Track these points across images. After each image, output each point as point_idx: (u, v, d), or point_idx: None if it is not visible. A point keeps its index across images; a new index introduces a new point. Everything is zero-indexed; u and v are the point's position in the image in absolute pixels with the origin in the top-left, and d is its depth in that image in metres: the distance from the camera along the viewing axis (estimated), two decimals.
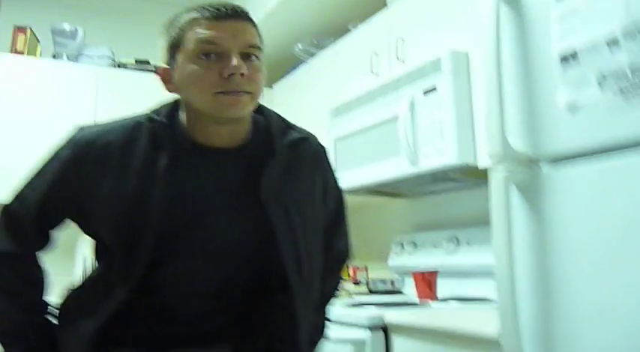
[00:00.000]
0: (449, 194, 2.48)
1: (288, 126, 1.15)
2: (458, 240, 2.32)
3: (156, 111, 1.09)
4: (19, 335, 1.05)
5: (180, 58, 1.01)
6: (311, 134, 1.20)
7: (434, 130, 1.98)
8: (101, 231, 1.06)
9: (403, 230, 2.72)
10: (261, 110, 1.14)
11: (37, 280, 1.09)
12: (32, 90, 2.88)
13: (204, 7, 1.01)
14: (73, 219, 1.10)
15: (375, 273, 2.75)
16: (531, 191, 1.06)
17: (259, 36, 1.05)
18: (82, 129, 1.10)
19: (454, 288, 2.26)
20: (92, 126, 1.11)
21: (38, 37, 3.03)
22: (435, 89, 1.99)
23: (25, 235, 1.08)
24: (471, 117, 1.93)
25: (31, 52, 2.93)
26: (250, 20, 1.04)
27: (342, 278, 1.37)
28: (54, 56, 3.04)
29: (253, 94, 1.01)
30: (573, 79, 0.99)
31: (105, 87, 3.03)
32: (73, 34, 2.97)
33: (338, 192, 1.26)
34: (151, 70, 3.13)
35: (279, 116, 1.17)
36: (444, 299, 2.04)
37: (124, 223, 1.01)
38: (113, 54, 3.12)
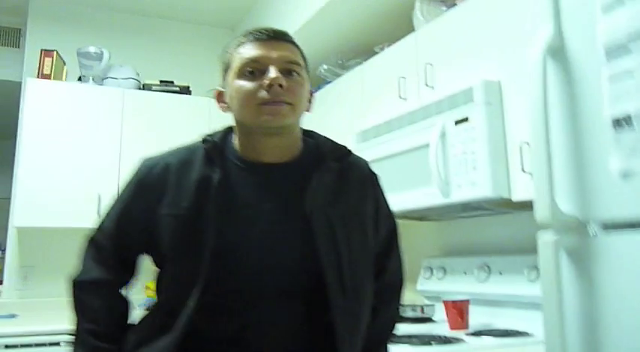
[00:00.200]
0: (479, 219, 2.44)
1: (336, 146, 1.21)
2: (489, 269, 2.27)
3: (211, 134, 1.18)
4: None
5: (229, 78, 1.12)
6: (362, 158, 1.26)
7: (466, 162, 1.94)
8: (164, 248, 1.10)
9: (431, 253, 2.69)
10: (311, 134, 1.23)
11: (119, 310, 1.16)
12: (60, 114, 2.91)
13: (249, 32, 1.13)
14: (146, 248, 1.17)
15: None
16: (581, 256, 1.02)
17: (302, 55, 1.15)
18: (146, 158, 1.20)
19: (485, 317, 2.22)
20: (155, 155, 1.20)
21: (64, 60, 3.05)
22: (466, 119, 1.95)
23: (109, 264, 1.15)
24: (505, 149, 1.88)
25: (58, 74, 2.95)
26: (291, 41, 1.14)
27: (398, 310, 1.32)
28: (79, 78, 3.05)
29: (294, 105, 1.08)
30: (627, 145, 0.95)
31: (131, 108, 3.04)
32: (98, 56, 2.98)
33: (391, 218, 1.27)
34: (175, 91, 3.13)
35: (329, 139, 1.23)
36: (477, 333, 2.00)
37: (183, 237, 1.07)
38: (138, 75, 3.13)
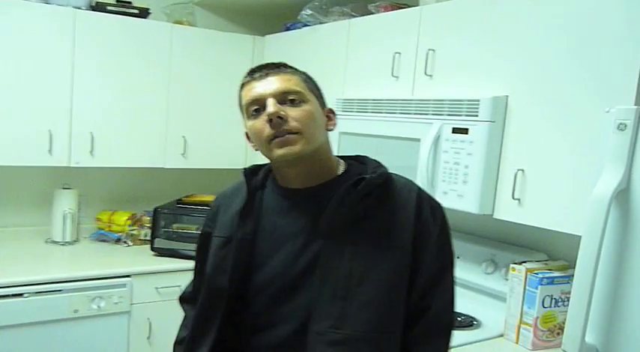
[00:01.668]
0: None
1: (378, 172, 1.12)
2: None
3: (257, 165, 1.27)
4: None
5: (244, 118, 1.17)
6: (412, 185, 1.16)
7: (457, 172, 1.94)
8: (207, 266, 1.22)
9: None
10: (363, 160, 1.22)
11: None
12: (1, 38, 2.50)
13: (248, 72, 1.16)
14: None
15: None
16: None
17: (304, 78, 1.16)
18: None
19: None
20: None
21: None
22: (466, 131, 1.91)
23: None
24: (497, 169, 1.89)
25: None
26: (285, 70, 1.15)
27: None
28: None
29: (302, 133, 1.08)
30: None
31: (83, 33, 2.66)
32: None
33: (443, 254, 1.15)
34: (133, 13, 2.77)
35: (381, 166, 1.17)
36: None
37: (219, 257, 1.18)
38: None
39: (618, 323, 1.08)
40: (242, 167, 3.49)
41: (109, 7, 2.71)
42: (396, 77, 2.27)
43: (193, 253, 2.68)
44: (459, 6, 2.04)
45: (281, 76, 1.12)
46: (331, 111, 1.20)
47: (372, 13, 2.42)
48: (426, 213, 1.13)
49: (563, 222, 1.69)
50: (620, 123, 1.02)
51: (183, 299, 1.40)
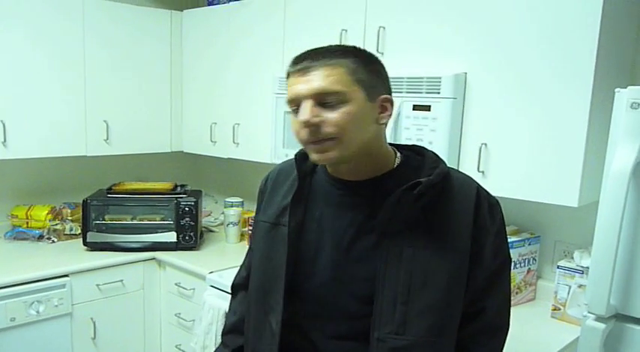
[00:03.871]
0: None
1: (435, 173, 1.05)
2: None
3: None
4: None
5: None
6: (471, 182, 1.12)
7: None
8: (254, 245, 1.24)
9: None
10: (420, 151, 1.15)
11: None
12: None
13: (294, 59, 1.06)
14: None
15: None
16: (617, 343, 1.24)
17: (349, 72, 1.00)
18: None
19: None
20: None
21: None
22: (429, 108, 1.98)
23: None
24: (459, 144, 1.99)
25: None
26: (329, 60, 1.01)
27: None
28: None
29: (338, 138, 1.00)
30: None
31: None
32: None
33: (500, 255, 1.13)
34: None
35: (439, 161, 1.10)
36: None
37: (265, 243, 1.16)
38: None
39: (635, 286, 1.21)
40: (169, 150, 3.32)
41: None
42: None
43: (131, 245, 2.60)
44: None
45: (322, 70, 1.00)
46: (387, 100, 1.05)
47: None
48: (484, 211, 1.09)
49: (525, 190, 1.83)
50: (634, 102, 1.13)
51: (239, 286, 1.37)
